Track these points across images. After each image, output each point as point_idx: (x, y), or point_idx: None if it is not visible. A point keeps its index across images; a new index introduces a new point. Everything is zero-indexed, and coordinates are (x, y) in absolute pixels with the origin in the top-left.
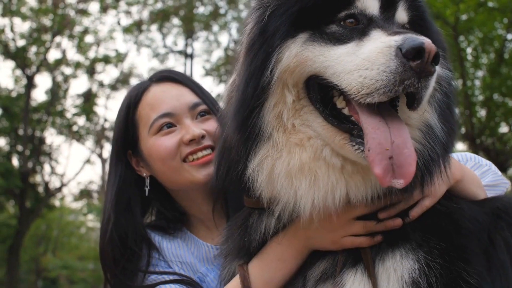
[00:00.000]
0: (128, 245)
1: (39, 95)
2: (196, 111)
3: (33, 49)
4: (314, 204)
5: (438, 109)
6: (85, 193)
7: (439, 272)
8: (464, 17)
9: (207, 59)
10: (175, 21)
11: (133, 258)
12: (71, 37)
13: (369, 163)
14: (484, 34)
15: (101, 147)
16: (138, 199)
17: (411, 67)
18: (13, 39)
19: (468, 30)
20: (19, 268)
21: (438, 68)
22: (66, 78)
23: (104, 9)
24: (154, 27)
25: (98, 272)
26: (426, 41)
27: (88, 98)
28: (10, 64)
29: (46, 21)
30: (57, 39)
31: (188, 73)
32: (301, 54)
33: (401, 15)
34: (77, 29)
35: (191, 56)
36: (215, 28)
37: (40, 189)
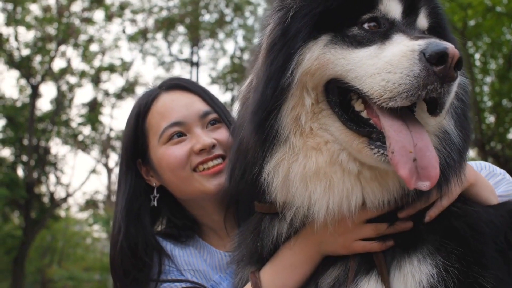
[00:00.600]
0: (139, 255)
1: (44, 104)
2: (206, 120)
3: (38, 58)
4: (328, 210)
5: (454, 115)
6: (90, 203)
7: (457, 277)
8: (472, 22)
9: (213, 67)
10: (181, 29)
11: (144, 268)
12: (76, 46)
13: (393, 165)
14: (492, 40)
15: (107, 156)
16: (148, 209)
17: (435, 72)
18: (18, 48)
19: (476, 35)
20: (24, 280)
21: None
22: (71, 87)
23: (109, 18)
24: (159, 35)
25: (104, 283)
26: (450, 46)
27: (94, 107)
28: (15, 73)
29: (51, 30)
30: (62, 48)
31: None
32: (323, 56)
33: (422, 21)
34: (82, 37)
35: (197, 64)
36: (221, 36)
37: (45, 200)
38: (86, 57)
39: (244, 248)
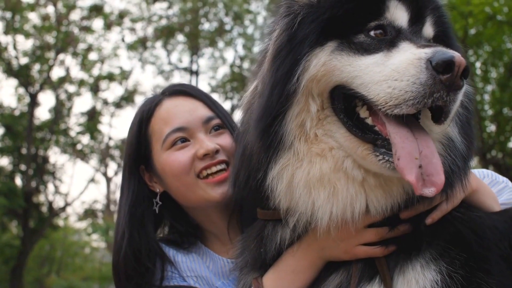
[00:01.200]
0: (142, 261)
1: (42, 113)
2: (209, 125)
3: (37, 66)
4: (332, 216)
5: (459, 123)
6: (89, 213)
7: (460, 283)
8: (473, 31)
9: (212, 76)
10: (180, 37)
11: (146, 274)
12: (74, 54)
13: (399, 171)
14: (493, 48)
15: (106, 165)
16: (151, 215)
17: (441, 80)
18: (16, 57)
19: (477, 44)
20: None
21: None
22: (70, 96)
23: (108, 26)
24: (158, 44)
25: None
26: (456, 55)
27: (92, 116)
28: (13, 82)
29: (50, 38)
30: (61, 56)
31: None
32: (329, 63)
33: (428, 29)
34: (81, 46)
35: (196, 73)
36: (221, 44)
37: (44, 209)
38: (85, 65)
39: (247, 254)
